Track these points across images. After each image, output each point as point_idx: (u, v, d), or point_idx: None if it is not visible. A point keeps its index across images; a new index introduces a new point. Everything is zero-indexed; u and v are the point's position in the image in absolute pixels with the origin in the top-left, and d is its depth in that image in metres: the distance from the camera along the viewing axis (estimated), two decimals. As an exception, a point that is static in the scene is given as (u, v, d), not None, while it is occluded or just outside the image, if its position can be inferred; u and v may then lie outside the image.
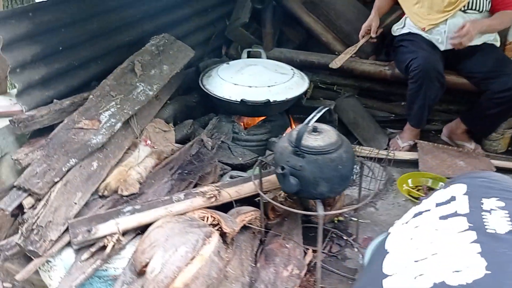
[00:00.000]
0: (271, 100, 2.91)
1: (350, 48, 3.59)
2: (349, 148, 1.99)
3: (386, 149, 3.39)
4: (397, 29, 3.41)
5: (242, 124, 3.23)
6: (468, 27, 2.90)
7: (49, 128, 2.19)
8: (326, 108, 1.99)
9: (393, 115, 3.86)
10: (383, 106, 3.89)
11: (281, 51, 3.85)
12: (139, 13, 3.05)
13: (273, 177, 2.32)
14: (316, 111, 1.96)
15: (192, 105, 3.32)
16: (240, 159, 2.98)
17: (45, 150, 2.08)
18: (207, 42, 3.84)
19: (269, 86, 3.02)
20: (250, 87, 3.01)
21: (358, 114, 3.64)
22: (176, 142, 2.90)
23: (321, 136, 1.94)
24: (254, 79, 3.07)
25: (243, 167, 2.87)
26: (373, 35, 3.37)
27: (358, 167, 2.51)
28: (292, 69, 3.32)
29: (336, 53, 3.73)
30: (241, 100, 2.93)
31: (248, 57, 3.64)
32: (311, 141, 1.92)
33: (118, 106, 2.51)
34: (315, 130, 1.97)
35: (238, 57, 3.85)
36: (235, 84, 3.04)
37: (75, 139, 2.21)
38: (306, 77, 3.28)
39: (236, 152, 2.99)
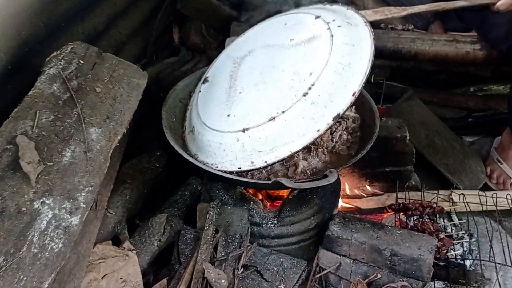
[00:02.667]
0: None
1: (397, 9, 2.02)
2: None
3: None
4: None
5: (263, 202, 1.66)
6: None
7: None
8: None
9: (465, 112, 2.44)
10: (441, 98, 2.47)
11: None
12: None
13: None
14: None
15: (154, 176, 1.68)
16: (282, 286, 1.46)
17: None
18: (149, 25, 2.11)
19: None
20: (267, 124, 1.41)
21: (431, 129, 2.18)
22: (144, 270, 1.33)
23: None
24: (268, 101, 1.45)
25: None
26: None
27: None
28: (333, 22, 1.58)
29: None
30: (274, 181, 1.36)
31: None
32: None
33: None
34: None
35: (206, 45, 2.18)
36: (240, 132, 1.42)
37: None
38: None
39: (269, 270, 1.47)
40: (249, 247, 1.50)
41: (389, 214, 1.93)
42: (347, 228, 1.60)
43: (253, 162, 1.41)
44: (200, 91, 1.70)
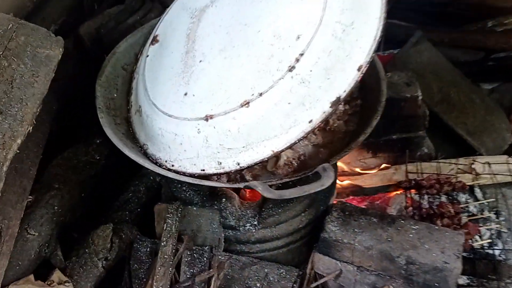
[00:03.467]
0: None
1: None
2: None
3: None
4: None
5: (239, 196, 1.27)
6: None
7: None
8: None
9: (482, 54, 2.02)
10: (453, 37, 2.03)
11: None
12: None
13: None
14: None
15: (95, 172, 1.28)
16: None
17: None
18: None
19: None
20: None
21: (445, 80, 1.77)
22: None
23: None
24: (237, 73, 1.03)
25: None
26: None
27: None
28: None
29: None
30: (246, 186, 0.96)
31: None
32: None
33: None
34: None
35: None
36: (202, 121, 1.01)
37: None
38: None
39: None
40: (221, 265, 1.14)
41: (397, 193, 1.57)
42: (348, 227, 1.23)
43: (220, 163, 1.02)
44: (147, 56, 1.26)
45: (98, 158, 1.30)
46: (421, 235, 1.21)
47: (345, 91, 0.95)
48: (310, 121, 0.95)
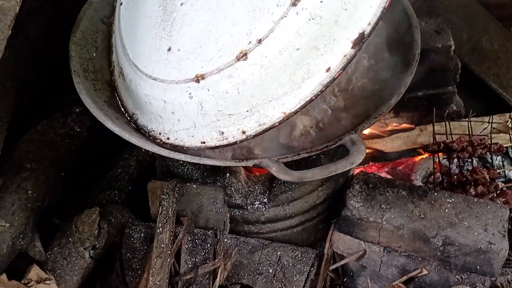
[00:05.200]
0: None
1: None
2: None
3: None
4: None
5: (245, 173, 1.09)
6: None
7: None
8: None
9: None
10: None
11: None
12: None
13: None
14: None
15: (75, 146, 1.09)
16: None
17: None
18: None
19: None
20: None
21: (476, 26, 1.54)
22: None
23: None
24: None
25: None
26: None
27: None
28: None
29: None
30: (254, 164, 0.77)
31: None
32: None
33: None
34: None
35: None
36: (193, 83, 0.81)
37: None
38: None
39: (262, 275, 1.02)
40: (228, 253, 0.97)
41: (423, 157, 1.39)
42: (374, 202, 1.06)
43: (223, 133, 0.83)
44: (121, 3, 1.03)
45: (78, 130, 1.10)
46: (459, 210, 1.04)
47: (369, 24, 0.73)
48: (328, 69, 0.74)
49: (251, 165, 0.83)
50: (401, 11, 1.11)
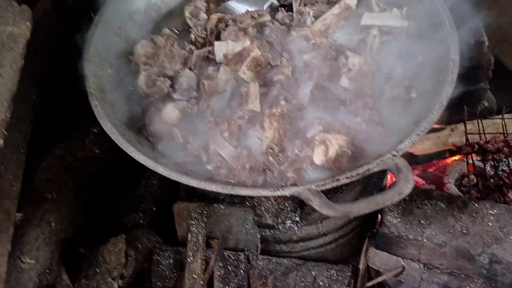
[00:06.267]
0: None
1: None
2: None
3: None
4: None
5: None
6: None
7: None
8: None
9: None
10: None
11: None
12: None
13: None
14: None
15: (95, 169, 1.05)
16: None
17: None
18: None
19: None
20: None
21: (507, 12, 1.45)
22: None
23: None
24: None
25: None
26: None
27: None
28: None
29: None
30: (292, 194, 0.72)
31: None
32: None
33: None
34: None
35: None
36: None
37: None
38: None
39: None
40: (265, 282, 0.93)
41: (456, 159, 1.32)
42: (412, 217, 1.01)
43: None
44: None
45: (97, 151, 1.05)
46: (503, 223, 0.98)
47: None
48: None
49: (288, 195, 0.77)
50: (435, 10, 1.03)
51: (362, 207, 0.70)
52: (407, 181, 0.71)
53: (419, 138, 0.83)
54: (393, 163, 0.75)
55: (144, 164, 0.85)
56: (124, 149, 0.86)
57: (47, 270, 0.92)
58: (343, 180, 0.78)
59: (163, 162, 0.87)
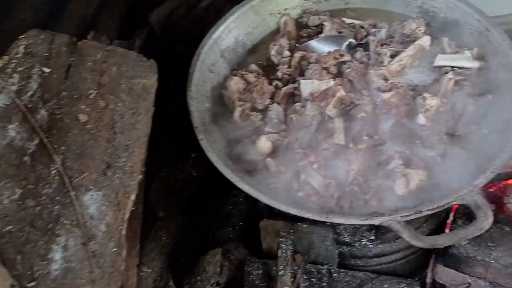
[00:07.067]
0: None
1: None
2: None
3: None
4: None
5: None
6: None
7: None
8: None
9: None
10: None
11: None
12: None
13: None
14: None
15: (194, 189, 1.21)
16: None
17: None
18: None
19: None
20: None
21: None
22: None
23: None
24: None
25: None
26: None
27: None
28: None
29: None
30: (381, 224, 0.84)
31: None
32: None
33: None
34: None
35: None
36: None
37: None
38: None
39: None
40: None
41: (516, 180, 1.40)
42: (479, 240, 1.11)
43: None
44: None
45: (195, 174, 1.20)
46: None
47: None
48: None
49: (377, 224, 0.90)
50: (504, 51, 1.12)
51: (448, 240, 0.82)
52: (486, 218, 0.82)
53: (493, 175, 0.93)
54: (472, 200, 0.86)
55: (248, 193, 0.99)
56: (230, 179, 1.01)
57: (159, 278, 1.08)
58: (425, 212, 0.90)
59: (264, 191, 1.00)
